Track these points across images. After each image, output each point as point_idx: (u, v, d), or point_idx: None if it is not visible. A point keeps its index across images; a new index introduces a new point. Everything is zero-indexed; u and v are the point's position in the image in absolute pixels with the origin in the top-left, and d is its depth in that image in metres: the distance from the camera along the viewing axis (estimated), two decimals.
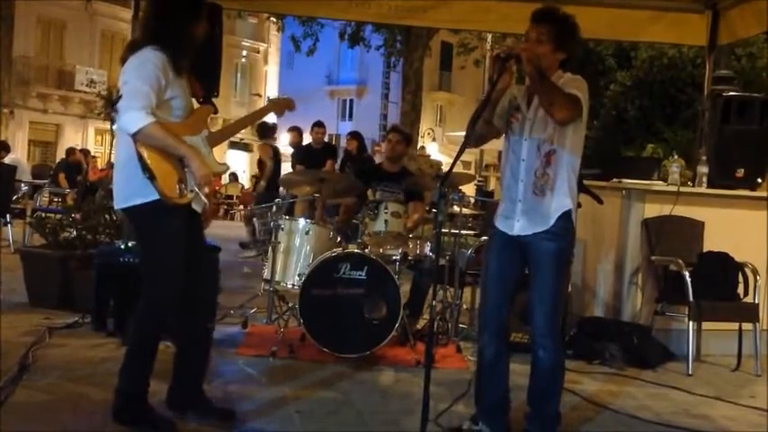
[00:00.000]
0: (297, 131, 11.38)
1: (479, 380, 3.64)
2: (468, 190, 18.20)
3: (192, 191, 3.39)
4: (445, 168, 12.98)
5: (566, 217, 3.40)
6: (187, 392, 3.64)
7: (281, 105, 4.12)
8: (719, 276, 5.49)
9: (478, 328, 3.71)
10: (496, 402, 3.60)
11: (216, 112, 3.68)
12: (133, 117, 3.17)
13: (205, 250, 3.85)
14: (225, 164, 3.85)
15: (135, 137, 3.20)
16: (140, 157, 3.22)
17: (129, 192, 3.35)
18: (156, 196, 3.28)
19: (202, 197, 3.46)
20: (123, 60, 3.35)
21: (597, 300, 6.09)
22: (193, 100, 3.65)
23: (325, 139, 10.86)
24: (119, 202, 3.43)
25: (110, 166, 14.29)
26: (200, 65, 5.83)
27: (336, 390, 4.42)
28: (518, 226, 3.46)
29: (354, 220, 5.80)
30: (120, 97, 3.26)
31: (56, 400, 3.81)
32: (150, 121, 3.17)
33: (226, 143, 34.87)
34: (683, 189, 5.87)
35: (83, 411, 3.67)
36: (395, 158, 6.31)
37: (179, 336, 3.74)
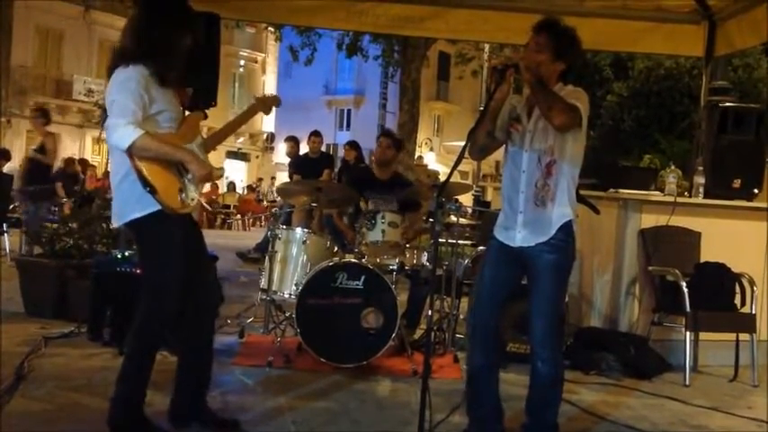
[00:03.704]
0: (294, 141, 11.38)
1: (470, 389, 3.64)
2: (466, 200, 18.22)
3: (192, 199, 3.39)
4: (442, 178, 12.95)
5: (566, 227, 3.41)
6: (190, 404, 3.64)
7: (269, 103, 4.11)
8: (716, 287, 5.48)
9: (468, 337, 3.70)
10: (488, 412, 3.59)
11: (205, 117, 3.69)
12: (123, 133, 3.16)
13: (207, 261, 3.84)
14: (222, 168, 3.83)
15: (129, 151, 3.18)
16: (139, 172, 3.21)
17: (128, 206, 3.34)
18: (154, 207, 3.27)
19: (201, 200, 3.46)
20: (111, 69, 3.33)
21: (594, 310, 6.09)
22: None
23: (323, 149, 10.86)
24: (121, 218, 3.39)
25: (106, 175, 14.28)
26: (198, 75, 5.90)
27: (333, 400, 4.41)
28: (519, 237, 3.46)
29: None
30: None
31: (52, 410, 3.80)
32: (140, 134, 3.15)
33: (223, 152, 35.02)
34: (679, 199, 5.88)
35: (79, 421, 3.66)
36: (385, 163, 6.27)
37: (181, 347, 3.73)
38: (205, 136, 3.70)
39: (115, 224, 3.50)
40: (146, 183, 3.21)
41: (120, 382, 3.43)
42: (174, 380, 3.66)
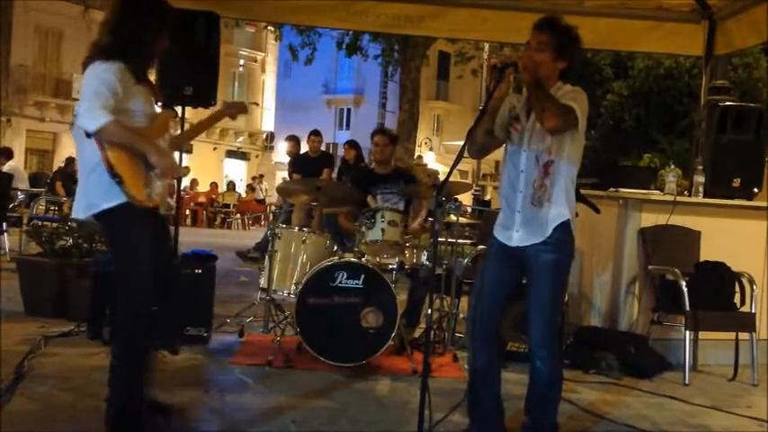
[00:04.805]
0: (294, 141, 11.38)
1: (472, 389, 3.64)
2: (465, 199, 18.23)
3: (158, 194, 3.44)
4: (442, 177, 12.96)
5: (564, 227, 3.40)
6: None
7: (235, 109, 4.14)
8: (716, 286, 5.48)
9: (469, 336, 3.70)
10: (490, 412, 3.59)
11: (176, 116, 3.76)
12: (93, 115, 3.20)
13: (171, 258, 3.87)
14: (186, 167, 3.85)
15: (96, 135, 3.23)
16: (107, 162, 3.26)
17: (97, 198, 3.37)
18: (120, 200, 3.30)
19: (169, 201, 3.50)
20: (87, 62, 3.38)
21: (594, 309, 6.09)
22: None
23: (322, 148, 10.86)
24: (88, 209, 3.42)
25: None
26: (198, 73, 5.91)
27: (333, 399, 4.41)
28: (517, 237, 3.46)
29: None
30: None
31: (51, 410, 3.79)
32: (110, 119, 3.20)
33: (223, 152, 35.02)
34: (679, 199, 5.88)
35: (78, 420, 3.66)
36: (385, 161, 6.38)
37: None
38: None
39: (80, 215, 3.49)
40: (114, 172, 3.26)
41: (114, 382, 3.45)
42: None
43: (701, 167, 6.25)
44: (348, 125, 40.33)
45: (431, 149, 36.30)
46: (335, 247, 5.49)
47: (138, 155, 3.32)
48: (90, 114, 3.20)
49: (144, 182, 3.35)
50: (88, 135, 3.29)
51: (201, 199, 24.58)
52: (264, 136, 37.76)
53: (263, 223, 25.06)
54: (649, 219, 5.83)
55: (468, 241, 8.00)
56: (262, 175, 31.03)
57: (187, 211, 22.59)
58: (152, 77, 5.90)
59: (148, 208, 3.40)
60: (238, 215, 25.34)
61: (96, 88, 3.25)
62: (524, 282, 3.54)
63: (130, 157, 3.30)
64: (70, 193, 13.78)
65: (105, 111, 3.20)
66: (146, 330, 3.54)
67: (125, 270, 3.47)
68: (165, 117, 3.69)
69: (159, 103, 3.69)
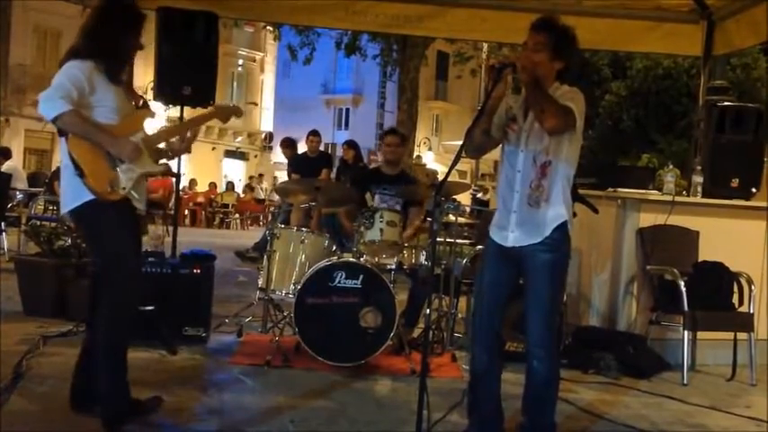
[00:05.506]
0: (288, 148, 11.35)
1: (472, 390, 3.64)
2: (464, 199, 18.21)
3: (123, 188, 3.48)
4: (441, 177, 12.96)
5: (561, 228, 3.40)
6: (93, 387, 3.61)
7: (228, 113, 4.18)
8: (715, 286, 5.49)
9: (470, 337, 3.70)
10: (490, 413, 3.58)
11: (153, 115, 3.88)
12: (52, 105, 3.30)
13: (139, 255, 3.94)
14: (164, 164, 3.88)
15: (54, 123, 3.32)
16: (70, 155, 3.36)
17: (67, 195, 3.48)
18: (88, 197, 3.38)
19: (135, 194, 3.54)
20: (62, 62, 3.51)
21: (592, 309, 6.09)
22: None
23: (321, 148, 10.86)
24: (64, 207, 3.54)
25: None
26: (196, 73, 5.92)
27: (331, 399, 4.41)
28: (512, 237, 3.45)
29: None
30: None
31: (49, 409, 3.79)
32: (69, 109, 3.30)
33: (221, 152, 34.97)
34: (678, 199, 5.88)
35: (77, 420, 3.65)
36: (396, 161, 6.35)
37: (92, 332, 3.72)
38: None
39: (62, 212, 3.64)
40: (75, 166, 3.35)
41: (105, 377, 3.48)
42: (80, 367, 3.69)
43: (699, 167, 6.26)
44: (347, 125, 40.32)
45: (430, 149, 36.29)
46: (334, 247, 5.49)
47: (101, 149, 3.41)
48: (49, 103, 3.31)
49: (107, 175, 3.42)
50: (61, 134, 3.39)
51: (200, 199, 24.55)
52: (263, 136, 37.72)
53: (261, 223, 25.04)
54: (648, 219, 5.83)
55: (467, 241, 8.00)
56: (261, 175, 31.01)
57: (186, 211, 22.57)
58: (150, 77, 5.98)
59: (117, 201, 3.46)
60: (237, 215, 25.32)
61: (60, 81, 3.37)
62: (522, 282, 3.54)
63: (94, 151, 3.40)
64: None
65: (64, 101, 3.30)
66: (131, 327, 3.59)
67: (106, 263, 3.58)
68: (137, 115, 3.76)
69: (140, 103, 3.80)
